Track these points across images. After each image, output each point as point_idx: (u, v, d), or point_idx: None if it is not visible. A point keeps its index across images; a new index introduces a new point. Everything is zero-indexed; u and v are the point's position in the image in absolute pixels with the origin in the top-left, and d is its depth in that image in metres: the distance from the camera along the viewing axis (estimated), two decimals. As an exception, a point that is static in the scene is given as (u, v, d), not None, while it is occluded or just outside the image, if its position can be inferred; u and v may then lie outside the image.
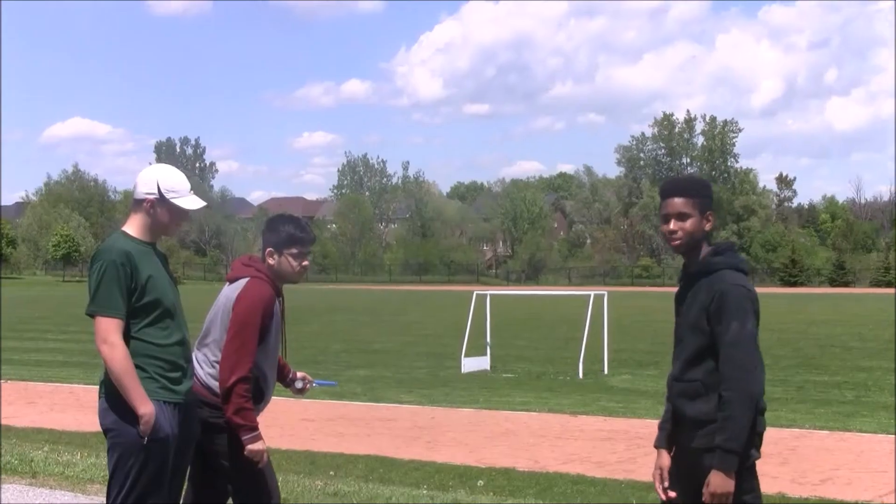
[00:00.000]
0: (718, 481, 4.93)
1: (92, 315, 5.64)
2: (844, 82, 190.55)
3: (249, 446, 5.91)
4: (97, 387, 5.86)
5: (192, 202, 5.93)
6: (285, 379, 6.70)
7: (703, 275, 5.15)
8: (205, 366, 6.10)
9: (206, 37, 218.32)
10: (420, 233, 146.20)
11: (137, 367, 5.63)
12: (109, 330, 5.57)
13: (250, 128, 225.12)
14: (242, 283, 6.06)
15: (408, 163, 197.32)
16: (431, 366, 24.34)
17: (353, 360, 25.65)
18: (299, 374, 6.78)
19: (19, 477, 10.38)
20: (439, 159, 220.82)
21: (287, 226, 6.21)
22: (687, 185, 5.35)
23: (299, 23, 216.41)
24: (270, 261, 6.14)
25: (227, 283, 6.20)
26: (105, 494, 5.85)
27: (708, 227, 5.22)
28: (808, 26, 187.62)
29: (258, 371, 6.06)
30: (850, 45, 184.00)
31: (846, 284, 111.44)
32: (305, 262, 6.23)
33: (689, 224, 5.17)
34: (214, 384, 6.01)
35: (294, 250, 6.14)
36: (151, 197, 5.81)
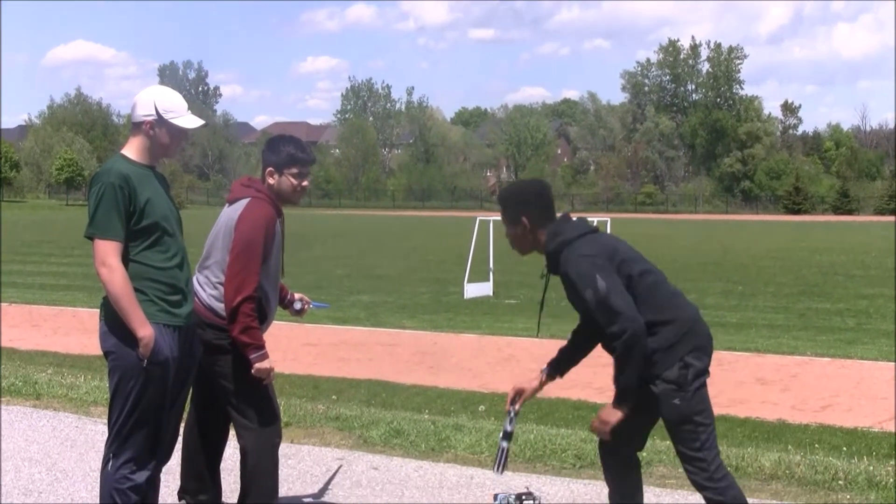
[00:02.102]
0: (606, 410, 5.47)
1: (91, 237, 5.61)
2: (852, 9, 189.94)
3: (257, 364, 5.95)
4: (99, 311, 5.86)
5: (190, 121, 5.86)
6: (283, 300, 6.70)
7: (554, 267, 5.59)
8: (207, 287, 6.11)
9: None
10: (423, 158, 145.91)
11: (137, 290, 5.61)
12: (108, 252, 5.53)
13: (254, 52, 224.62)
14: (243, 203, 6.06)
15: (412, 88, 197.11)
16: (434, 292, 24.41)
17: (355, 286, 25.69)
18: (297, 296, 6.75)
19: (23, 399, 10.42)
20: (444, 85, 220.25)
21: (287, 146, 6.23)
22: (500, 199, 5.79)
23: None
24: (271, 180, 6.15)
25: (227, 205, 6.20)
26: (107, 416, 5.88)
27: (520, 231, 5.62)
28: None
29: (261, 291, 6.08)
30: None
31: (850, 212, 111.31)
32: (305, 183, 6.25)
33: (509, 235, 5.71)
34: (218, 306, 6.03)
35: (294, 170, 6.16)
36: (150, 118, 5.74)
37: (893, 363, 14.15)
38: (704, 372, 5.35)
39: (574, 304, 5.59)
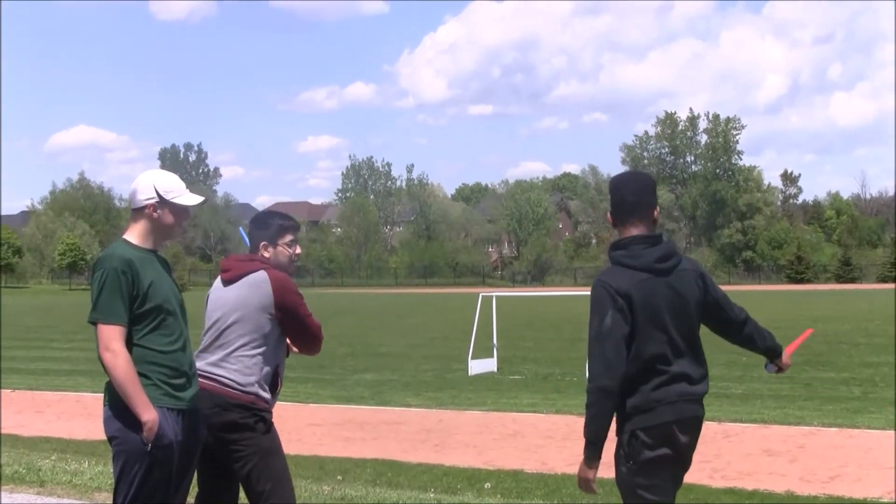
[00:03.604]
0: (579, 465, 5.34)
1: (94, 323, 5.66)
2: (848, 77, 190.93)
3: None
4: (102, 395, 5.86)
5: (191, 199, 5.98)
6: None
7: None
8: (229, 365, 6.13)
9: (210, 41, 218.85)
10: (425, 235, 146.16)
11: (141, 374, 5.63)
12: (112, 337, 5.57)
13: (255, 132, 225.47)
14: (259, 277, 6.15)
15: (412, 165, 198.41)
16: (438, 368, 24.35)
17: (359, 364, 25.66)
18: None
19: (27, 486, 10.37)
20: (444, 161, 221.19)
21: (274, 218, 6.44)
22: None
23: (302, 26, 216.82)
24: (266, 254, 6.30)
25: (225, 283, 6.26)
26: (111, 502, 5.86)
27: (610, 225, 5.56)
28: (812, 21, 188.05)
29: (276, 360, 6.23)
30: (855, 40, 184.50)
31: (852, 280, 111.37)
32: (299, 250, 6.45)
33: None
34: (245, 380, 6.09)
35: (288, 238, 6.36)
36: (152, 201, 5.85)
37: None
38: (657, 449, 5.23)
39: None
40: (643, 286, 5.21)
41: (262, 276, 6.13)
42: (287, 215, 6.56)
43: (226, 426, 6.08)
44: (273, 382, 6.20)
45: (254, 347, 6.11)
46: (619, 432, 5.31)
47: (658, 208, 5.56)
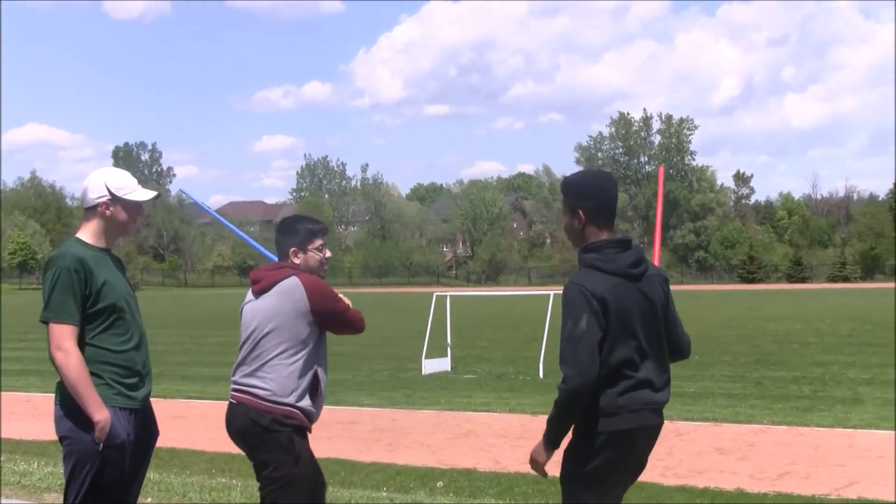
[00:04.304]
0: (534, 448, 5.36)
1: (45, 322, 5.63)
2: (801, 80, 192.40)
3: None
4: (54, 395, 5.83)
5: (143, 194, 5.96)
6: None
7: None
8: (263, 382, 6.03)
9: (165, 40, 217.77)
10: (380, 235, 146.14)
11: (93, 373, 5.61)
12: (63, 336, 5.55)
13: (210, 132, 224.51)
14: (291, 283, 6.06)
15: (367, 165, 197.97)
16: (392, 368, 24.35)
17: (313, 364, 25.59)
18: None
19: (-24, 487, 10.32)
20: (400, 161, 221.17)
21: (302, 223, 6.34)
22: (562, 184, 5.60)
23: (259, 25, 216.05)
24: (296, 260, 6.21)
25: (256, 295, 6.19)
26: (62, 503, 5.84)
27: (576, 223, 5.40)
28: (766, 24, 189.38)
29: (316, 365, 6.12)
30: (808, 43, 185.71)
31: (803, 280, 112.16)
32: (328, 253, 6.38)
33: (563, 222, 5.52)
34: (283, 390, 6.00)
35: (317, 242, 6.27)
36: (104, 199, 5.83)
37: (849, 430, 14.28)
38: (613, 454, 5.23)
39: None
40: (617, 291, 5.19)
41: (293, 281, 6.04)
42: (315, 219, 6.47)
43: (257, 440, 6.04)
44: (314, 388, 6.07)
45: (291, 355, 6.00)
46: (576, 431, 5.30)
47: None
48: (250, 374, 6.04)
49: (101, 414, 5.55)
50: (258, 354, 6.04)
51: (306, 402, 6.04)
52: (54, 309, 5.59)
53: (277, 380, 5.99)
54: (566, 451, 5.33)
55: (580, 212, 5.37)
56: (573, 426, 5.29)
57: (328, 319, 6.07)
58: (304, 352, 6.01)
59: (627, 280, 5.26)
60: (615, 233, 5.44)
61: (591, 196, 5.40)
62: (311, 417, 6.11)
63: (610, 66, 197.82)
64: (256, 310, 6.10)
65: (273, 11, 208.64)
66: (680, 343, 5.55)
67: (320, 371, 6.11)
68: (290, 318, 5.99)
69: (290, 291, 6.02)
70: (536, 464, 5.37)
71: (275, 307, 6.02)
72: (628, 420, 5.21)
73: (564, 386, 5.08)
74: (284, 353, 6.00)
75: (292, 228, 6.29)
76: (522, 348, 27.45)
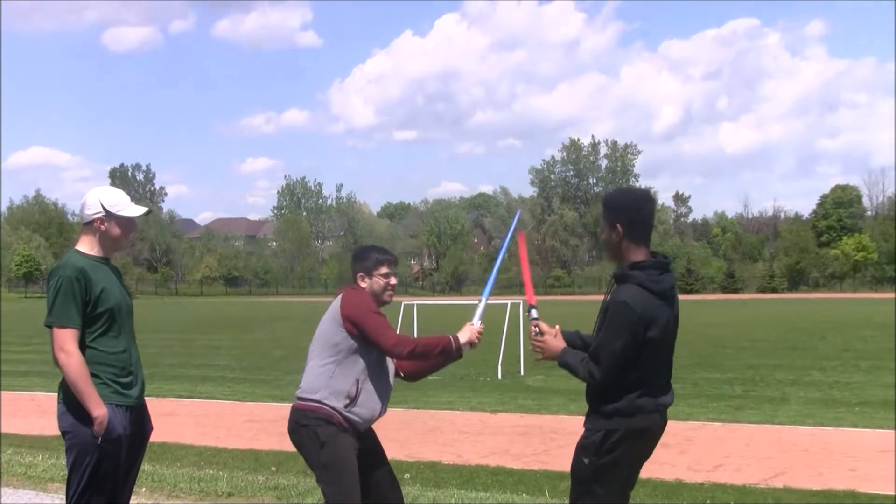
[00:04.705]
0: (553, 345, 5.45)
1: (50, 326, 5.64)
2: (734, 109, 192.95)
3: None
4: (56, 393, 5.82)
5: (135, 210, 5.98)
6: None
7: (617, 282, 5.31)
8: (305, 381, 6.10)
9: (158, 70, 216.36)
10: (353, 249, 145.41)
11: (92, 373, 5.62)
12: (66, 339, 5.56)
13: (198, 154, 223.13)
14: (338, 296, 6.10)
15: (341, 185, 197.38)
16: (364, 370, 24.22)
17: (293, 366, 25.46)
18: None
19: (-15, 478, 10.24)
20: (371, 181, 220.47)
21: (373, 252, 6.32)
22: (603, 199, 5.53)
23: (243, 57, 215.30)
24: (362, 284, 6.19)
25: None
26: (63, 492, 5.82)
27: (614, 237, 5.33)
28: (702, 59, 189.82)
29: (354, 372, 6.00)
30: (740, 76, 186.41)
31: (736, 291, 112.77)
32: (393, 280, 6.31)
33: (602, 235, 5.45)
34: (312, 394, 6.02)
35: (383, 270, 6.23)
36: (99, 215, 5.86)
37: (777, 426, 14.35)
38: (626, 451, 5.26)
39: (598, 323, 5.37)
40: (659, 312, 5.21)
41: (340, 294, 6.09)
42: (385, 249, 6.47)
43: (292, 433, 6.11)
44: (352, 394, 5.96)
45: (323, 358, 6.00)
46: (592, 429, 5.29)
47: None
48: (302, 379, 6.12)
49: (99, 410, 5.56)
50: (307, 359, 6.13)
51: (337, 403, 5.96)
52: (57, 314, 5.60)
53: (307, 379, 6.05)
54: (581, 447, 5.32)
55: (618, 226, 5.30)
56: (590, 421, 5.32)
57: (358, 327, 5.93)
58: (337, 356, 5.97)
59: (666, 303, 5.28)
60: (651, 251, 5.39)
61: (628, 212, 5.32)
62: (348, 419, 5.98)
63: (562, 96, 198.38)
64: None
65: (256, 45, 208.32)
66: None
67: (361, 380, 5.99)
68: (328, 324, 6.03)
69: (334, 302, 6.08)
70: (545, 351, 5.46)
71: (323, 317, 6.08)
72: (644, 420, 5.25)
73: (592, 380, 5.18)
74: (318, 355, 6.03)
75: (363, 256, 6.30)
76: (483, 352, 27.37)
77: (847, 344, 30.38)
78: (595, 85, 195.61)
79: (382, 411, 6.18)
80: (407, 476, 10.68)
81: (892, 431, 13.77)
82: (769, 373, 22.17)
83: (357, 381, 5.97)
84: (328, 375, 5.97)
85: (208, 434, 13.87)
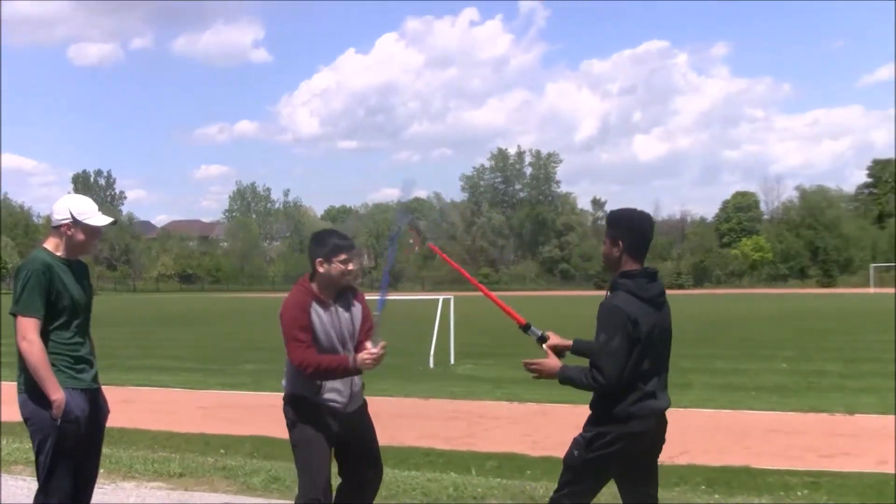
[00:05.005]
0: (551, 365, 5.53)
1: (14, 315, 5.65)
2: (647, 122, 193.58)
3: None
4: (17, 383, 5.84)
5: (100, 220, 5.96)
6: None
7: (611, 290, 5.38)
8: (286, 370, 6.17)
9: (119, 83, 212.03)
10: (299, 249, 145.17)
11: (51, 362, 5.65)
12: (28, 328, 5.57)
13: (156, 161, 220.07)
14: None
15: (288, 190, 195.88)
16: (308, 360, 24.15)
17: (242, 357, 25.39)
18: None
19: (-48, 461, 10.07)
20: (316, 187, 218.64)
21: (331, 237, 6.08)
22: (608, 217, 5.56)
23: (199, 71, 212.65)
24: (321, 269, 5.98)
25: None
26: (26, 474, 5.81)
27: (615, 251, 5.38)
28: (619, 77, 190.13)
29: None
30: (652, 92, 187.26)
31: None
32: (351, 266, 6.07)
33: (604, 248, 5.48)
34: (287, 382, 6.23)
35: (342, 256, 5.99)
36: (67, 221, 5.86)
37: (682, 409, 14.51)
38: (613, 452, 5.29)
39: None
40: (646, 316, 5.22)
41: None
42: (343, 235, 6.20)
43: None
44: (310, 380, 6.00)
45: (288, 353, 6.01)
46: (588, 428, 5.36)
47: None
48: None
49: (57, 394, 5.60)
50: None
51: (305, 391, 6.04)
52: (23, 304, 5.62)
53: (286, 370, 6.14)
54: (577, 440, 5.37)
55: (620, 242, 5.36)
56: (590, 422, 5.37)
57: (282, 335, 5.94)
58: None
59: (654, 308, 5.30)
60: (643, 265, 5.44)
61: (631, 231, 5.38)
62: (317, 404, 6.06)
63: (491, 110, 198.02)
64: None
65: (210, 61, 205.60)
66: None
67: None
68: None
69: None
70: (540, 371, 5.55)
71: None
72: (637, 425, 5.26)
73: (597, 386, 5.18)
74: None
75: (322, 240, 6.05)
76: (416, 343, 27.33)
77: (745, 335, 30.78)
78: (521, 100, 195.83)
79: (352, 395, 6.16)
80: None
81: (783, 413, 14.03)
82: (675, 361, 22.00)
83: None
84: (290, 366, 6.07)
85: (162, 420, 13.76)
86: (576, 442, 5.39)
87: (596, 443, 5.28)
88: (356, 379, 6.15)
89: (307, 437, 6.00)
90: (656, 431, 5.41)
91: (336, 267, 5.96)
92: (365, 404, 6.31)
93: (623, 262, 5.36)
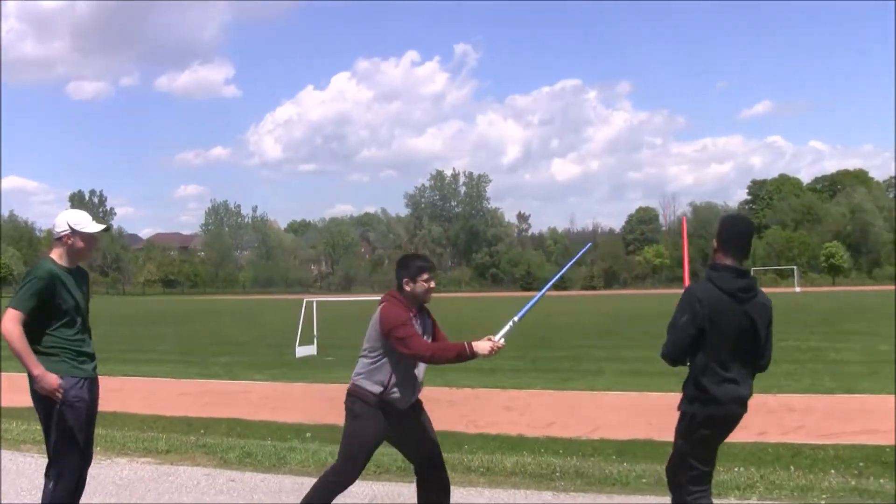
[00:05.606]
0: None
1: (9, 307, 5.67)
2: (563, 148, 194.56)
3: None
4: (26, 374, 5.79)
5: (94, 227, 5.97)
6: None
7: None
8: (356, 367, 6.00)
9: (110, 114, 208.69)
10: (266, 257, 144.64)
11: (54, 354, 5.68)
12: (12, 318, 5.59)
13: (142, 182, 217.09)
14: (380, 307, 5.92)
15: (256, 206, 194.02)
16: (275, 353, 24.05)
17: (217, 350, 25.18)
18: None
19: (-34, 443, 9.92)
20: (280, 203, 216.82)
21: (415, 261, 6.04)
22: (718, 222, 5.56)
23: (178, 104, 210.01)
24: (407, 288, 5.93)
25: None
26: (34, 451, 5.77)
27: (712, 249, 5.41)
28: (539, 109, 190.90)
29: (390, 367, 5.87)
30: (567, 122, 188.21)
31: (565, 289, 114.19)
32: (433, 283, 6.05)
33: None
34: (356, 378, 5.96)
35: (424, 276, 5.96)
36: (66, 232, 5.87)
37: (595, 392, 14.62)
38: (706, 432, 5.27)
39: None
40: (720, 304, 5.13)
41: (382, 305, 5.91)
42: (424, 257, 6.16)
43: (345, 404, 6.01)
44: (387, 383, 5.82)
45: (368, 353, 5.89)
46: (682, 411, 5.35)
47: (750, 252, 5.53)
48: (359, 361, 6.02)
49: (37, 369, 5.59)
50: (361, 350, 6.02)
51: (369, 385, 5.88)
52: (18, 300, 5.65)
53: (357, 367, 5.96)
54: (676, 429, 5.39)
55: (714, 241, 5.38)
56: (682, 400, 5.37)
57: (393, 339, 5.75)
58: (376, 353, 5.85)
59: (735, 300, 5.17)
60: (742, 265, 5.33)
61: (723, 231, 5.37)
62: (383, 401, 5.89)
63: (431, 137, 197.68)
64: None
65: (188, 95, 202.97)
66: (763, 357, 5.40)
67: (395, 372, 5.85)
68: (373, 330, 5.88)
69: (377, 312, 5.90)
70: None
71: (371, 321, 5.92)
72: (718, 409, 5.20)
73: (663, 351, 5.23)
74: (365, 349, 5.92)
75: (407, 264, 6.00)
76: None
77: (647, 328, 31.06)
78: (456, 129, 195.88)
79: (414, 396, 6.04)
80: (308, 435, 10.67)
81: (678, 394, 14.18)
82: (590, 351, 22.54)
83: (391, 373, 5.86)
84: (367, 366, 5.90)
85: (150, 404, 13.63)
86: (677, 431, 5.39)
87: (688, 427, 5.29)
88: (420, 379, 6.08)
89: (363, 432, 5.91)
90: (736, 417, 5.33)
91: (421, 285, 5.95)
92: (419, 400, 6.18)
93: (716, 257, 5.33)
